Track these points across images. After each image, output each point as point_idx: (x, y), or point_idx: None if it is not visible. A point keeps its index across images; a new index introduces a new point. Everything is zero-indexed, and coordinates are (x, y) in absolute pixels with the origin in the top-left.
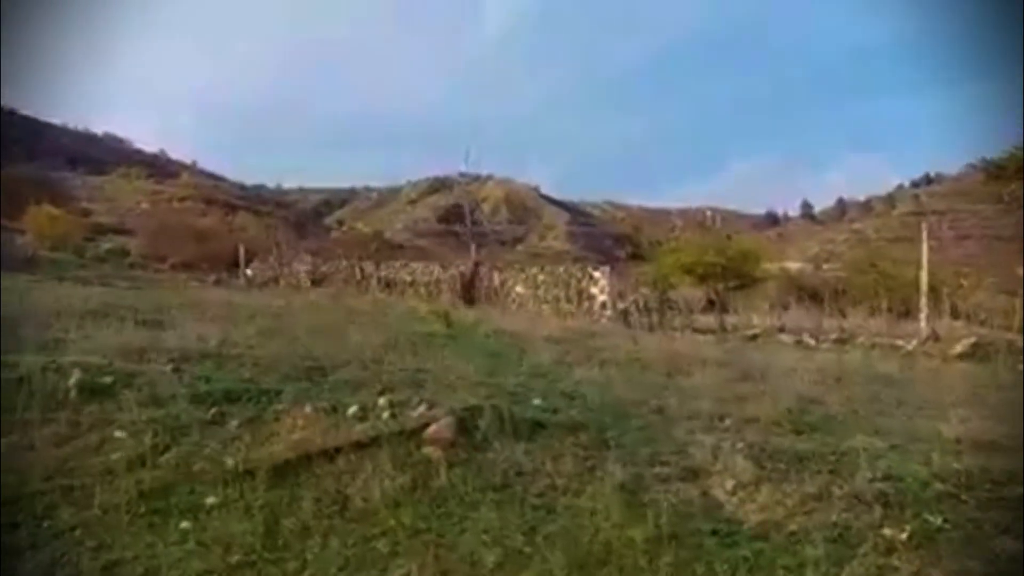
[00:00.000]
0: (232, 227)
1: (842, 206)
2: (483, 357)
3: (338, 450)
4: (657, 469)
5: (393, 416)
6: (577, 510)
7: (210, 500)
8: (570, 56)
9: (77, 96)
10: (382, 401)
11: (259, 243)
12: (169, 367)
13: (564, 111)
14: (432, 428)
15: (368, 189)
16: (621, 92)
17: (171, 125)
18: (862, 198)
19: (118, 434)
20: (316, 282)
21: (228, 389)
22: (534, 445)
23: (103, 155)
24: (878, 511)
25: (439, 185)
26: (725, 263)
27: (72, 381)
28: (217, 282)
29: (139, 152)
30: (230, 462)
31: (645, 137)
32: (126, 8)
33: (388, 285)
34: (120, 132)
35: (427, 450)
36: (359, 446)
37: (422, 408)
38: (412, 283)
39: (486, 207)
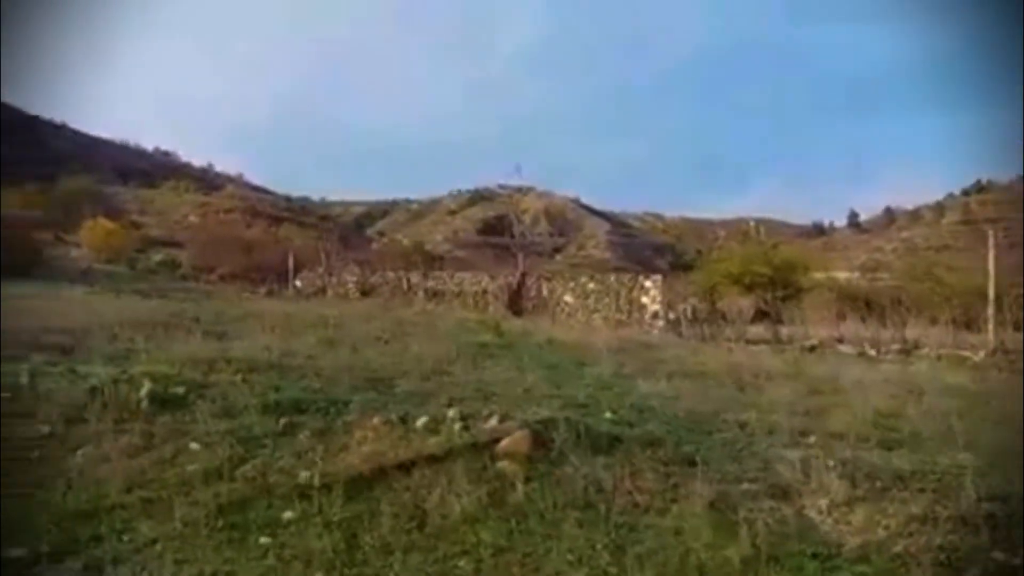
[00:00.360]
0: (277, 239)
1: (890, 215)
2: (542, 368)
3: (412, 463)
4: (744, 486)
5: (465, 428)
6: (663, 529)
7: (287, 515)
8: (604, 65)
9: (125, 110)
10: (451, 413)
11: (305, 254)
12: (238, 377)
13: (603, 122)
14: (506, 441)
15: (408, 201)
16: (658, 102)
17: (216, 138)
18: (910, 207)
19: (193, 446)
20: (364, 293)
21: (297, 399)
22: (612, 460)
23: (153, 169)
24: (986, 533)
25: (479, 197)
26: (772, 273)
27: (144, 392)
28: (269, 293)
29: (187, 165)
30: (305, 475)
31: (683, 148)
32: (175, 30)
33: (435, 295)
34: (168, 146)
35: (502, 464)
36: (433, 459)
37: (494, 421)
38: (459, 294)
39: (526, 218)
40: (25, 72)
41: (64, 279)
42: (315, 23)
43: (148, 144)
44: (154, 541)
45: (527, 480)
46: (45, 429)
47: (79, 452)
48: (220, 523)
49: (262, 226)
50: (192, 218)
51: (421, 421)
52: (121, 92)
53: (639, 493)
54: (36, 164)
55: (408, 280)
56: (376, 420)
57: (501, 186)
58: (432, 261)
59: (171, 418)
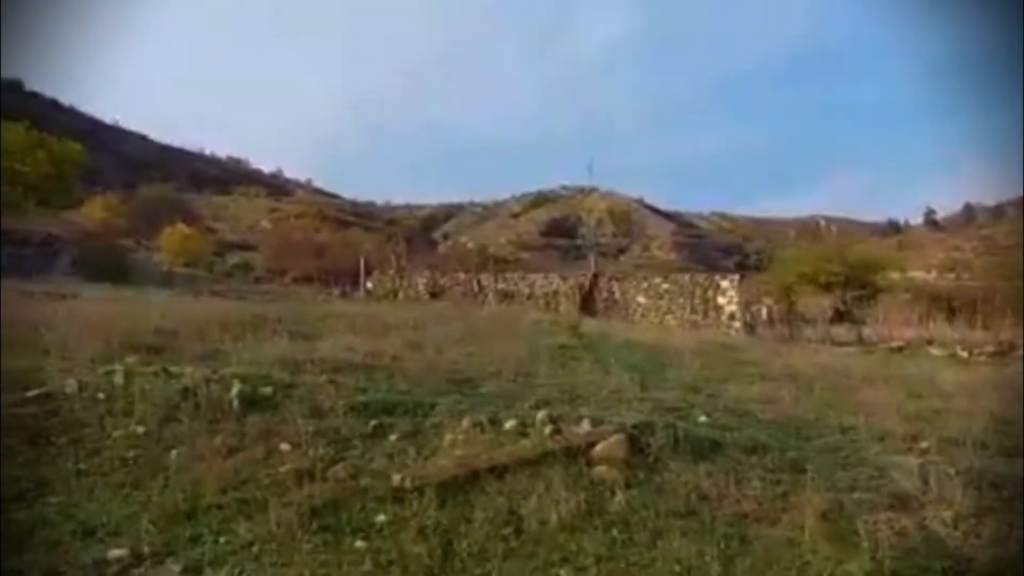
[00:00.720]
0: (345, 242)
1: (970, 212)
2: (625, 370)
3: (505, 467)
4: (858, 495)
5: (555, 432)
6: (774, 540)
7: (380, 518)
8: (674, 68)
9: (199, 120)
10: (540, 416)
11: (374, 257)
12: (324, 378)
13: (669, 122)
14: (601, 446)
15: (472, 204)
16: (727, 102)
17: (287, 144)
18: (991, 203)
19: (283, 446)
20: (434, 295)
21: (384, 401)
22: (714, 467)
23: (225, 175)
24: None
25: (543, 199)
26: (847, 272)
27: (234, 392)
28: (342, 295)
29: (258, 172)
30: (396, 478)
31: (753, 147)
32: (252, 42)
33: (506, 297)
34: (240, 153)
35: (599, 469)
36: (526, 464)
37: (586, 424)
38: (531, 295)
39: (590, 219)
40: (108, 84)
41: (147, 282)
42: (381, 28)
43: (221, 151)
44: (251, 543)
45: (627, 487)
46: (141, 429)
47: (173, 452)
48: (314, 525)
49: (330, 230)
50: (264, 223)
51: (510, 423)
52: (192, 100)
53: (747, 502)
54: (117, 172)
55: (479, 282)
56: (465, 422)
57: (564, 187)
58: (496, 263)
59: (261, 418)
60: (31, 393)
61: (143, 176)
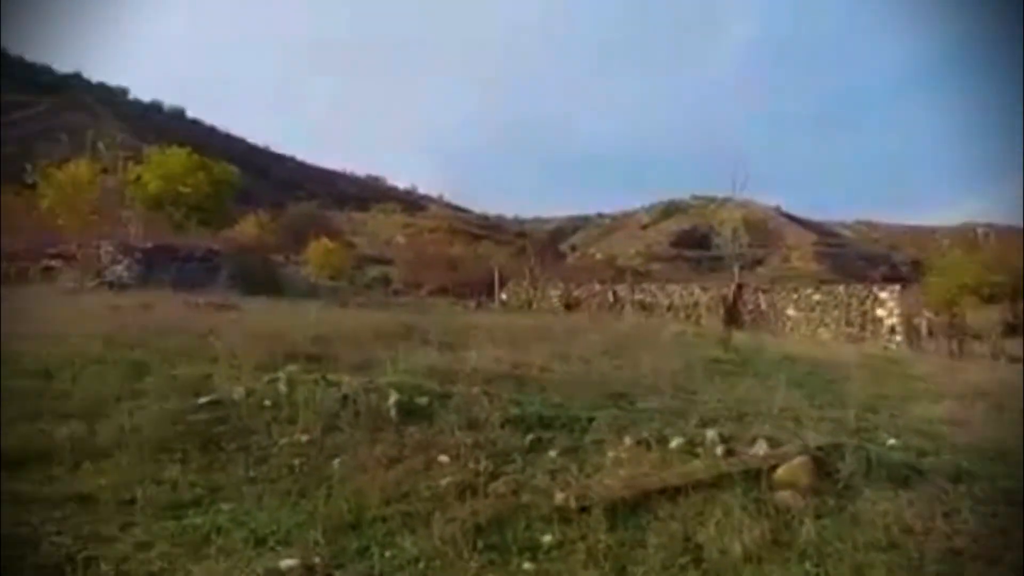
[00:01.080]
0: (477, 255)
1: None
2: (790, 386)
3: (677, 490)
4: None
5: (728, 453)
6: None
7: (547, 538)
8: (818, 70)
9: (341, 141)
10: (710, 435)
11: (506, 270)
12: (477, 389)
13: (812, 128)
14: (783, 469)
15: (600, 216)
16: (873, 108)
17: (421, 161)
18: None
19: (442, 458)
20: (568, 306)
21: (539, 414)
22: (914, 495)
23: (363, 193)
24: None
25: (673, 209)
26: (1014, 282)
27: (391, 401)
28: (478, 306)
29: (393, 189)
30: (560, 496)
31: (904, 153)
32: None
33: (643, 308)
34: (378, 171)
35: (782, 495)
36: (700, 486)
37: (762, 445)
38: (670, 306)
39: (724, 229)
40: (260, 108)
41: (295, 294)
42: (509, 44)
43: (360, 170)
44: (416, 559)
45: (817, 516)
46: (305, 437)
47: (336, 461)
48: (479, 543)
49: (462, 244)
50: (399, 238)
51: (676, 442)
52: (335, 122)
53: (958, 537)
54: (267, 192)
55: (615, 293)
56: (627, 440)
57: (696, 197)
58: (624, 275)
59: (418, 429)
60: (202, 400)
61: (290, 195)
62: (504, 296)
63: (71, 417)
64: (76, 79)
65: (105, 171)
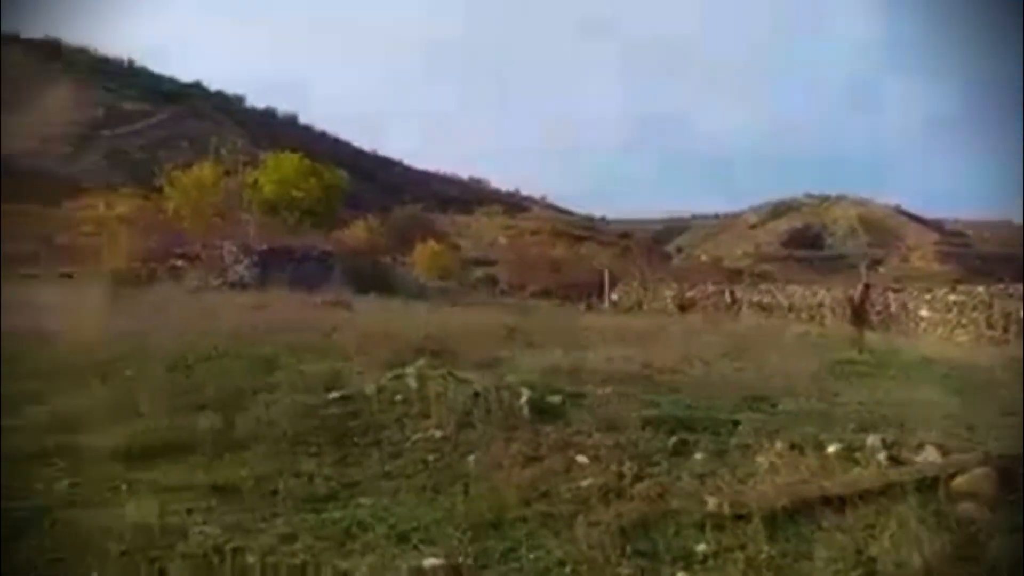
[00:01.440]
0: (580, 256)
1: None
2: (943, 391)
3: (841, 499)
4: None
5: (893, 460)
6: None
7: (701, 547)
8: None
9: (442, 144)
10: (871, 440)
11: (612, 271)
12: (609, 389)
13: (932, 128)
14: (963, 479)
15: (705, 217)
16: (988, 110)
17: (523, 163)
18: None
19: (580, 459)
20: (682, 307)
21: (678, 416)
22: None
23: (467, 196)
24: None
25: (783, 209)
26: None
27: (524, 400)
28: (588, 307)
29: (496, 191)
30: (712, 501)
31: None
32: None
33: (761, 309)
34: (481, 174)
35: (964, 507)
36: (868, 496)
37: (932, 452)
38: (791, 307)
39: (837, 229)
40: (368, 112)
41: (404, 294)
42: (615, 51)
43: (463, 173)
44: (562, 563)
45: (1009, 530)
46: (438, 433)
47: (471, 457)
48: (627, 548)
49: (564, 245)
50: (501, 239)
51: (833, 448)
52: (438, 127)
53: None
54: (375, 196)
55: (732, 293)
56: (778, 444)
57: (808, 195)
58: (737, 276)
59: (553, 428)
60: (333, 395)
61: (396, 199)
62: (614, 297)
63: (209, 409)
64: (196, 88)
65: (227, 174)
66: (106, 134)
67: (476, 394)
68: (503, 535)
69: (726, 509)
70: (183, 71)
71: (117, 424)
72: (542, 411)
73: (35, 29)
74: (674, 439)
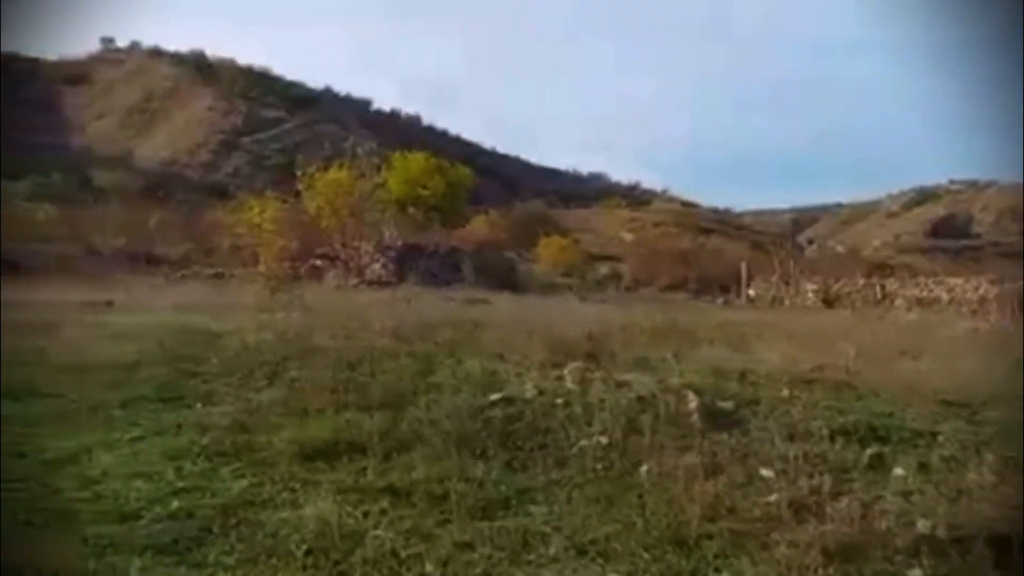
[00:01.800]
0: (707, 250)
1: None
2: None
3: None
4: None
5: None
6: None
7: (914, 572)
8: None
9: (562, 139)
10: None
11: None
12: (787, 392)
13: None
14: None
15: (839, 206)
16: None
17: (644, 156)
18: None
19: (765, 472)
20: (826, 302)
21: (870, 424)
22: None
23: (588, 190)
24: None
25: (924, 196)
26: None
27: (693, 405)
28: (725, 303)
29: (616, 184)
30: (923, 524)
31: None
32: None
33: (917, 303)
34: (601, 168)
35: None
36: None
37: None
38: (951, 301)
39: (985, 217)
40: (486, 109)
41: (530, 289)
42: (735, 36)
43: (583, 168)
44: None
45: None
46: (604, 439)
47: (643, 467)
48: (831, 571)
49: (691, 238)
50: (624, 234)
51: None
52: (558, 122)
53: None
54: (496, 192)
55: (883, 287)
56: (990, 458)
57: (952, 182)
58: (877, 268)
59: (729, 436)
60: (493, 397)
61: (516, 194)
62: (751, 292)
63: (373, 409)
64: (326, 93)
65: (362, 176)
66: (246, 141)
67: (640, 398)
68: (688, 553)
69: (940, 532)
70: (313, 78)
71: (287, 424)
72: (714, 417)
73: (181, 42)
74: (869, 452)
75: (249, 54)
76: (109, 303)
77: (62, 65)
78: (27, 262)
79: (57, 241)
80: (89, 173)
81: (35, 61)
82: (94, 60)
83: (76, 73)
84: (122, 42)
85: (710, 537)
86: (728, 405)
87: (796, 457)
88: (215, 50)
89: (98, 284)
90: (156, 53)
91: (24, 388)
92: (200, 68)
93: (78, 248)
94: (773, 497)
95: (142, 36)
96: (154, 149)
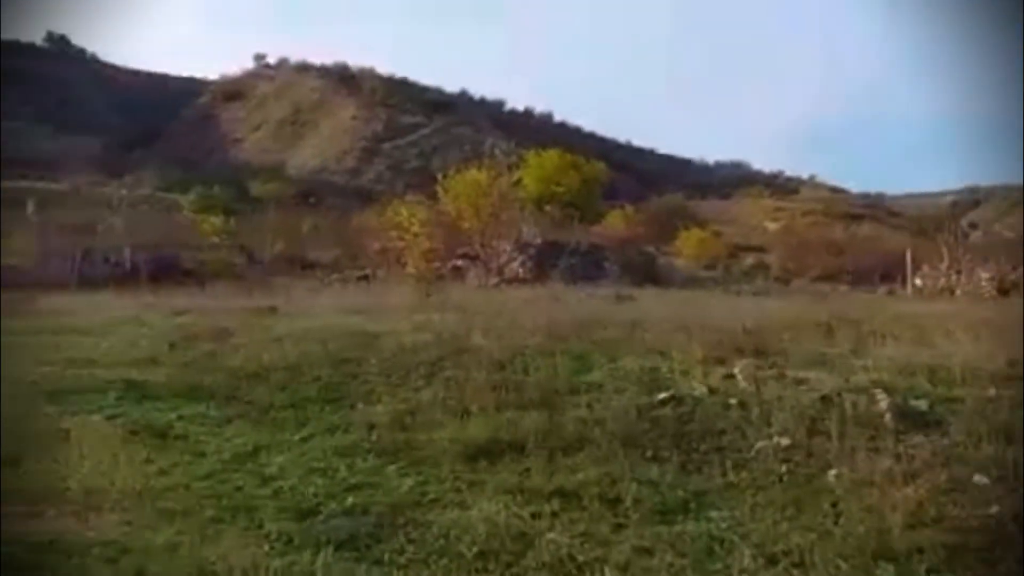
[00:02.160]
0: (859, 237)
1: None
2: None
3: None
4: None
5: None
6: None
7: None
8: None
9: (697, 129)
10: None
11: (897, 252)
12: (993, 391)
13: None
14: None
15: (1006, 188)
16: None
17: (786, 143)
18: None
19: (978, 479)
20: (1004, 291)
21: None
22: None
23: (727, 180)
24: None
25: None
26: None
27: (883, 405)
28: (889, 292)
29: (759, 173)
30: None
31: None
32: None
33: None
34: (740, 157)
35: None
36: None
37: None
38: None
39: None
40: (620, 104)
41: (673, 284)
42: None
43: (722, 157)
44: None
45: None
46: (785, 441)
47: (831, 472)
48: None
49: (841, 226)
50: (768, 223)
51: None
52: (686, 111)
53: None
54: (631, 186)
55: None
56: None
57: None
58: None
59: (924, 438)
60: (662, 395)
61: (652, 188)
62: (918, 282)
63: (533, 409)
64: (461, 97)
65: (499, 175)
66: (386, 146)
67: (823, 398)
68: (898, 568)
69: None
70: (449, 82)
71: (447, 423)
72: (907, 417)
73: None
74: None
75: (385, 61)
76: (272, 308)
77: (221, 83)
78: (199, 269)
79: (221, 249)
80: (246, 184)
81: (193, 80)
82: (248, 76)
83: (233, 90)
84: (271, 58)
85: (920, 551)
86: (922, 404)
87: (1007, 462)
88: (356, 60)
89: (260, 289)
90: (303, 67)
91: (203, 391)
92: (344, 79)
93: (240, 255)
94: (994, 509)
95: (289, 51)
96: (304, 159)
